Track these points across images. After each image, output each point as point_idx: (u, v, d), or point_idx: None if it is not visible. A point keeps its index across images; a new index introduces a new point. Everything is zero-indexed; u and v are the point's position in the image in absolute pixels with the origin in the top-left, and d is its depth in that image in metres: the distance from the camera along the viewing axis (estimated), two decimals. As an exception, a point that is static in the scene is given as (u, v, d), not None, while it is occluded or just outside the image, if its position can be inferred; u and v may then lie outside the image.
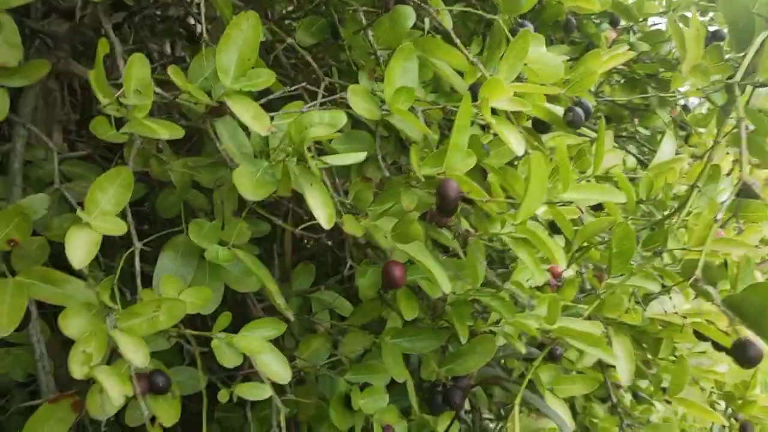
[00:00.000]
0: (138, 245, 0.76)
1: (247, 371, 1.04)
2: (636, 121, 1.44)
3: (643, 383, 1.66)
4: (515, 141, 0.67)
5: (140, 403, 0.65)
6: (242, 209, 0.97)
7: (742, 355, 0.73)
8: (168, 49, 1.67)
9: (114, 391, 0.58)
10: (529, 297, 0.81)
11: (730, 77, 0.80)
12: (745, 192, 0.75)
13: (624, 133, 1.37)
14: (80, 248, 0.62)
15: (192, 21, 1.71)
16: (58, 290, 0.73)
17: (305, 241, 1.43)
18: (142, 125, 0.60)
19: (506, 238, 0.69)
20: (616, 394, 1.23)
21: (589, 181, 0.76)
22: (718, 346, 1.00)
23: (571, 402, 1.41)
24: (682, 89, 1.28)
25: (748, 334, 0.74)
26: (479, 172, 0.73)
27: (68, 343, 0.65)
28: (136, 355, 0.61)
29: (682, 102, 1.29)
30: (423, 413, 1.02)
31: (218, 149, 0.96)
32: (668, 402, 1.75)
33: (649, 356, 0.99)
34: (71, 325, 0.63)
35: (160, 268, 0.79)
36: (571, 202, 0.69)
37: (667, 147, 1.07)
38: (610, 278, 0.74)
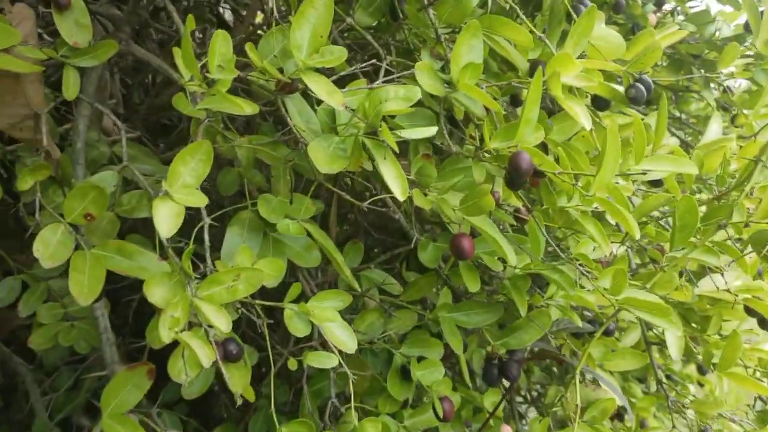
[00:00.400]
0: (207, 220, 0.79)
1: (301, 345, 1.07)
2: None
3: (676, 366, 1.67)
4: (583, 115, 0.69)
5: (221, 368, 0.67)
6: (297, 187, 0.99)
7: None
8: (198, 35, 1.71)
9: (202, 354, 0.61)
10: (584, 271, 0.82)
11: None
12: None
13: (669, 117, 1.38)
14: (166, 220, 0.64)
15: (221, 9, 1.74)
16: (133, 263, 0.76)
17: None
18: (227, 99, 0.62)
19: (573, 211, 0.70)
20: (657, 374, 1.24)
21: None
22: (764, 324, 1.01)
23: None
24: (725, 71, 1.28)
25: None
26: (541, 148, 0.75)
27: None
28: (220, 321, 0.63)
29: (727, 83, 1.29)
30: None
31: (275, 130, 0.98)
32: (701, 385, 1.76)
33: (697, 333, 1.00)
34: (155, 293, 0.65)
35: (227, 242, 0.82)
36: (645, 173, 0.70)
37: (714, 127, 1.08)
38: (672, 252, 0.75)
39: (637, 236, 0.66)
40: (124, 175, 0.89)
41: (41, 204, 0.83)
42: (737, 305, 0.91)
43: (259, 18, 1.47)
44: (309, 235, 0.82)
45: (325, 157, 0.67)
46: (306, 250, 0.85)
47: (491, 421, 1.08)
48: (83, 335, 1.02)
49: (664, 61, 1.30)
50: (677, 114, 1.45)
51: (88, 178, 0.87)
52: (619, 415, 1.53)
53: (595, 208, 0.70)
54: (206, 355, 0.61)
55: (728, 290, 0.91)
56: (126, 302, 1.29)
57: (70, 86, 0.86)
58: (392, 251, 1.15)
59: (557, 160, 0.70)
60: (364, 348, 0.97)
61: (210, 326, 0.67)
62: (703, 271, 0.99)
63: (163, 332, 0.61)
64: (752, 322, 1.04)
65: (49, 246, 0.75)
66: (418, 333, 0.97)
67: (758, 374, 1.14)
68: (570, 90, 0.76)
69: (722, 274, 0.92)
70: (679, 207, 0.72)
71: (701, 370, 1.59)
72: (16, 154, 0.99)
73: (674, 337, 0.92)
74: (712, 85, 1.30)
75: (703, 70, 1.22)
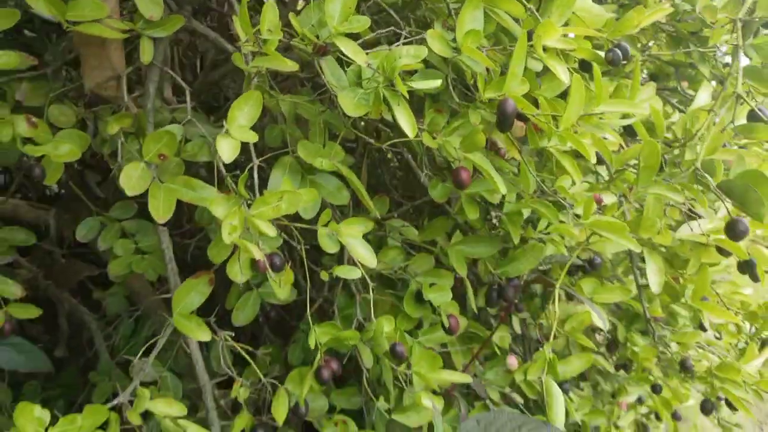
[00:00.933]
0: (256, 162, 0.97)
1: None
2: (685, 83, 1.57)
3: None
4: (562, 72, 0.84)
5: (268, 272, 0.85)
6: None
7: (734, 230, 0.88)
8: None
9: (255, 252, 0.79)
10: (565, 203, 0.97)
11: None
12: (753, 116, 0.91)
13: (669, 89, 1.51)
14: (227, 150, 0.82)
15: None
16: (197, 193, 0.94)
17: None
18: (276, 56, 0.80)
19: (552, 149, 0.86)
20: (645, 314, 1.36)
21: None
22: (742, 268, 1.14)
23: (614, 335, 1.57)
24: (722, 48, 1.41)
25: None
26: (532, 102, 0.90)
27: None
28: (269, 230, 0.81)
29: (725, 60, 1.41)
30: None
31: (311, 92, 1.15)
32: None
33: (680, 273, 1.14)
34: (218, 209, 0.83)
35: (272, 180, 1.00)
36: (603, 113, 0.85)
37: (703, 95, 1.21)
38: (638, 188, 0.90)
39: (592, 160, 0.81)
40: (185, 135, 1.07)
41: (123, 149, 1.02)
42: (710, 246, 1.05)
43: (300, 5, 1.65)
44: (339, 176, 0.99)
45: (351, 104, 0.84)
46: (337, 189, 1.02)
47: (497, 351, 1.25)
48: (152, 265, 1.21)
49: (665, 38, 1.43)
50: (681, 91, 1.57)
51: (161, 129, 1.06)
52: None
53: (570, 147, 0.85)
54: (258, 254, 0.79)
55: (703, 234, 1.05)
56: (184, 246, 1.49)
57: (146, 53, 1.04)
58: (413, 202, 1.31)
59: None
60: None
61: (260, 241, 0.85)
62: (685, 219, 1.13)
63: (225, 236, 0.79)
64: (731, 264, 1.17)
65: (131, 179, 0.93)
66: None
67: (740, 317, 1.27)
68: (557, 54, 0.91)
69: (698, 221, 1.06)
70: (644, 150, 0.86)
71: (702, 328, 1.71)
72: (98, 113, 1.19)
73: (654, 275, 1.06)
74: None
75: (699, 46, 1.35)
